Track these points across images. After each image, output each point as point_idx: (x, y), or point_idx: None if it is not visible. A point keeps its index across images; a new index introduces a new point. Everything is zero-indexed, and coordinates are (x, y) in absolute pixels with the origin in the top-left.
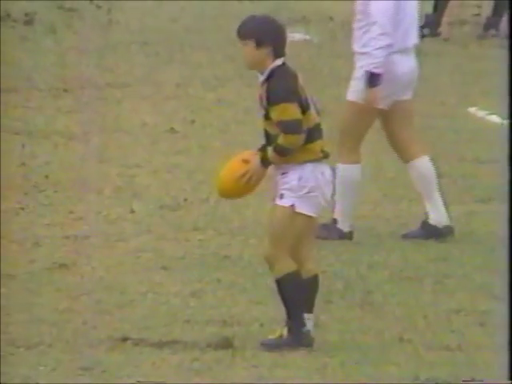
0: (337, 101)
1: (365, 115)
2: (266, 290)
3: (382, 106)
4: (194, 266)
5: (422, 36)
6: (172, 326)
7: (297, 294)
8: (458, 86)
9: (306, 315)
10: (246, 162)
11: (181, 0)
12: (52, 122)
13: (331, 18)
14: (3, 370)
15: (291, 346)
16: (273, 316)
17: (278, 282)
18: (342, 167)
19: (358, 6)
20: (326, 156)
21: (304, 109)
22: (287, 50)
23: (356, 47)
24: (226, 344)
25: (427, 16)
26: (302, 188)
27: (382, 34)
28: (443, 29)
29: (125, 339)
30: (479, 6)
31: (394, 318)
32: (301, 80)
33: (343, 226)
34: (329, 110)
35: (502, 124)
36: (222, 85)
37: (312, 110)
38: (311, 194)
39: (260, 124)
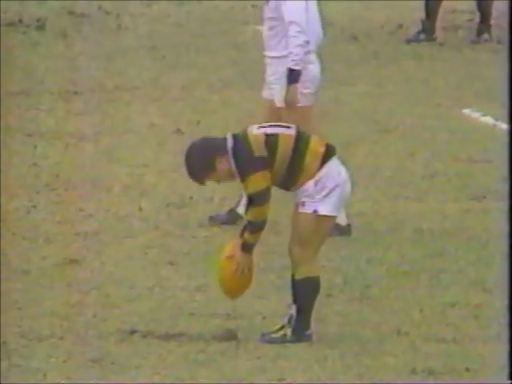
0: (335, 102)
1: (302, 115)
2: (268, 284)
3: (309, 103)
4: (200, 262)
5: (419, 41)
6: (178, 319)
7: (312, 298)
8: (453, 88)
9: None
10: (230, 258)
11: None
12: (63, 123)
13: (331, 24)
14: (16, 362)
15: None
16: (275, 309)
17: (298, 282)
18: None
19: (269, 13)
20: (331, 150)
21: (273, 143)
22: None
23: (273, 53)
24: (230, 336)
25: (423, 22)
26: (320, 191)
27: (299, 32)
28: (438, 33)
29: (133, 332)
30: (472, 12)
31: (392, 312)
32: (252, 128)
33: (339, 219)
34: (327, 110)
35: (495, 125)
36: (226, 87)
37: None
38: (332, 193)
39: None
